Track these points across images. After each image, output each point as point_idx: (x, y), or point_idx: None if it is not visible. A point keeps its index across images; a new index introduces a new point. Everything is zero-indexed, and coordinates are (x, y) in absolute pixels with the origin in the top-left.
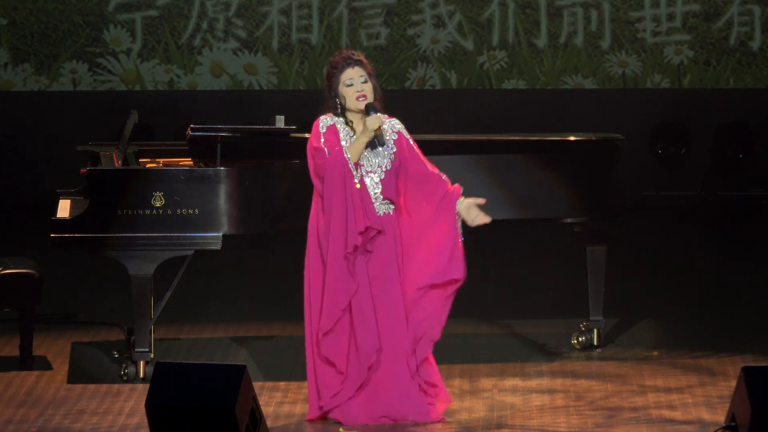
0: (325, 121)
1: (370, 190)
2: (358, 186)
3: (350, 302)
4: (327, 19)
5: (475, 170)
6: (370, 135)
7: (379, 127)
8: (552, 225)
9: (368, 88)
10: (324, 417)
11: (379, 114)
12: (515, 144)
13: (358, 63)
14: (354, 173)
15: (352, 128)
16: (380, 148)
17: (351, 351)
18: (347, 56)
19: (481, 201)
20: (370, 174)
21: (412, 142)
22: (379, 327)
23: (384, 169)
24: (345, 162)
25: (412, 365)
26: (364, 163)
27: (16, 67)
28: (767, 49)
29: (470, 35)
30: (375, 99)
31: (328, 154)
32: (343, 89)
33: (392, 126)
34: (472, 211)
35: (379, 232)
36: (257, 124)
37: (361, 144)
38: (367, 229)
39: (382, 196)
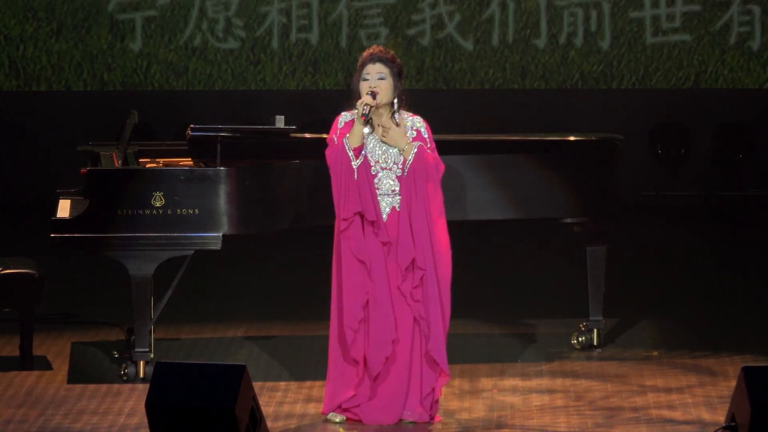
0: (344, 116)
1: (385, 185)
2: (355, 165)
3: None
4: (327, 19)
5: (475, 170)
6: (359, 115)
7: (367, 105)
8: (552, 225)
9: (384, 85)
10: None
11: (370, 98)
12: (515, 144)
13: (381, 60)
14: (351, 157)
15: (371, 123)
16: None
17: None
18: (372, 52)
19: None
20: (385, 170)
21: (428, 145)
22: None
23: (400, 166)
24: (343, 147)
25: (415, 367)
26: (380, 159)
27: None
28: (767, 49)
29: (470, 35)
30: (395, 97)
31: (336, 144)
32: (360, 83)
33: (413, 123)
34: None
35: (373, 222)
36: (257, 124)
37: (357, 128)
38: (360, 215)
39: (399, 194)
